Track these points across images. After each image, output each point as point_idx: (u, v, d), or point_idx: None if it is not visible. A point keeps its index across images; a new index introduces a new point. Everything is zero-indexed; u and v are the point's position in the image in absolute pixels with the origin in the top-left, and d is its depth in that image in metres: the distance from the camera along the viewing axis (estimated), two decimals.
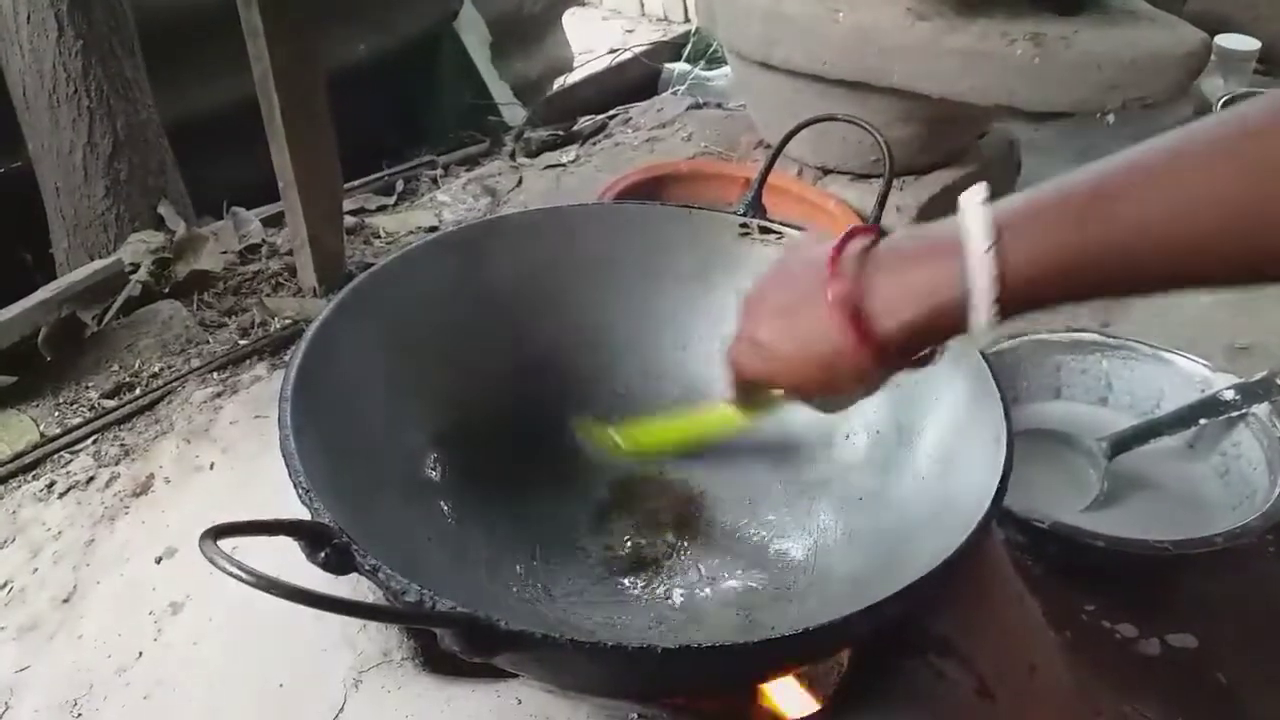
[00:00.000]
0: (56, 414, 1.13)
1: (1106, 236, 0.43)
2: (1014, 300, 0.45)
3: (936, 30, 1.25)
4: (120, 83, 1.37)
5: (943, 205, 1.43)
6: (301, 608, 0.42)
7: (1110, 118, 1.24)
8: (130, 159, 1.40)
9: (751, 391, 0.63)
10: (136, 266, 1.33)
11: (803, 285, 0.54)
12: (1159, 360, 1.12)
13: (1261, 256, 0.40)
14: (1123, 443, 1.06)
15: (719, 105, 1.95)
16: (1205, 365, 1.09)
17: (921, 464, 0.71)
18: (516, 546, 0.73)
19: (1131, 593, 0.98)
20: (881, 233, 0.52)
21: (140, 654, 0.81)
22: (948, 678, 0.66)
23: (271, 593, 0.41)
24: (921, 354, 0.53)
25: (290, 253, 1.36)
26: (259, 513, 0.49)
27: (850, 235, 0.52)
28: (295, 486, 0.54)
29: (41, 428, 1.11)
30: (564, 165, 1.77)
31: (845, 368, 0.51)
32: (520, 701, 0.64)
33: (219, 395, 1.12)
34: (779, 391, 0.61)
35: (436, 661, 0.71)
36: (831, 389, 0.54)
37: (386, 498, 0.67)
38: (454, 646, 0.47)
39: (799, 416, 0.77)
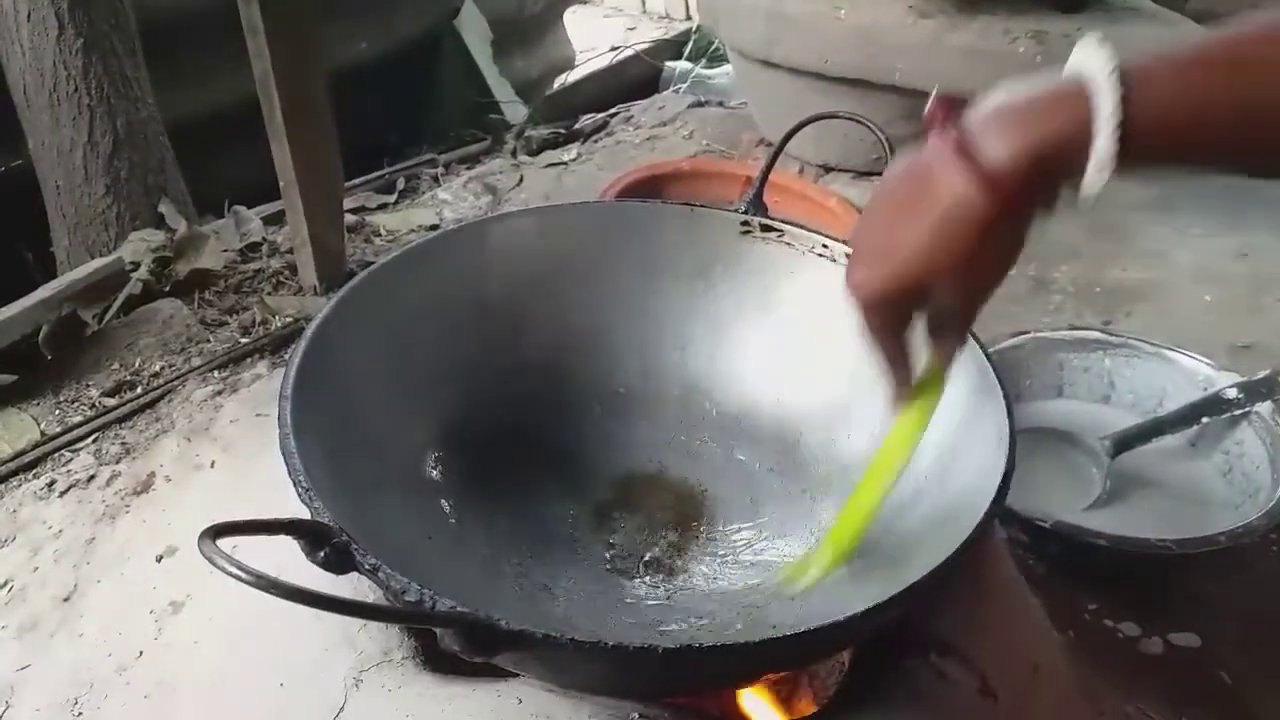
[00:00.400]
0: (57, 412, 1.13)
1: (1241, 83, 0.42)
2: (1140, 139, 0.42)
3: (938, 28, 1.25)
4: (121, 81, 1.37)
5: None
6: (302, 607, 0.42)
7: None
8: (131, 157, 1.40)
9: (890, 331, 0.55)
10: (137, 265, 1.32)
11: (907, 173, 0.50)
12: (1161, 358, 1.11)
13: None
14: (1125, 441, 1.06)
15: (720, 103, 1.95)
16: (1208, 363, 1.09)
17: (923, 462, 0.71)
18: (517, 545, 0.73)
19: (1134, 592, 0.98)
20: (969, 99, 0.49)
21: (141, 653, 0.81)
22: (949, 678, 0.66)
23: (271, 592, 0.41)
24: (1043, 199, 0.48)
25: (291, 251, 1.36)
26: (259, 511, 0.49)
27: (939, 101, 0.49)
28: (295, 485, 0.54)
29: (42, 426, 1.11)
30: (565, 163, 1.77)
31: (970, 222, 0.47)
32: (521, 701, 0.64)
33: (219, 394, 1.12)
34: (914, 305, 0.53)
35: (437, 661, 0.71)
36: (965, 256, 0.48)
37: (387, 497, 0.66)
38: (454, 646, 0.47)
39: (801, 418, 0.78)
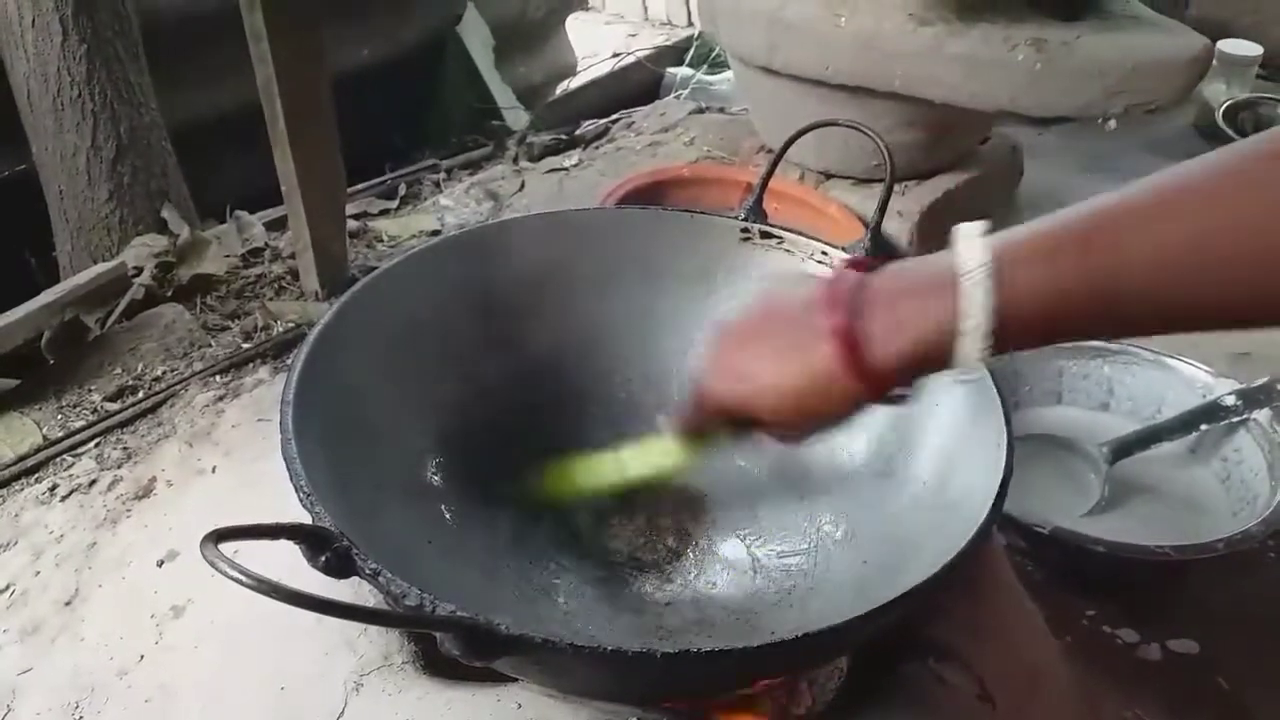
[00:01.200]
0: (59, 417, 1.13)
1: (1109, 270, 0.42)
2: (1008, 335, 0.45)
3: (938, 35, 1.25)
4: (124, 86, 1.38)
5: (944, 210, 1.43)
6: (302, 612, 0.42)
7: (1112, 123, 1.24)
8: (134, 162, 1.40)
9: (710, 421, 0.61)
10: (139, 270, 1.33)
11: (791, 316, 0.53)
12: (1160, 365, 1.11)
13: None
14: (1124, 448, 1.06)
15: (721, 110, 1.95)
16: (1206, 371, 1.09)
17: (922, 469, 0.71)
18: (517, 550, 0.73)
19: (1132, 598, 0.98)
20: (874, 265, 0.52)
21: (142, 657, 0.81)
22: (948, 682, 0.66)
23: (272, 596, 0.41)
24: (904, 390, 0.52)
25: (293, 256, 1.36)
26: (261, 516, 0.49)
27: (844, 267, 0.52)
28: (296, 490, 0.54)
29: (44, 430, 1.11)
30: (566, 169, 1.77)
31: (829, 397, 0.51)
32: (520, 706, 0.65)
33: (221, 398, 1.12)
34: (747, 421, 0.57)
35: (437, 665, 0.72)
36: (809, 418, 0.54)
37: (388, 501, 0.67)
38: (454, 650, 0.47)
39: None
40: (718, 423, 0.60)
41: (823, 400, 0.51)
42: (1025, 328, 0.45)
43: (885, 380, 0.49)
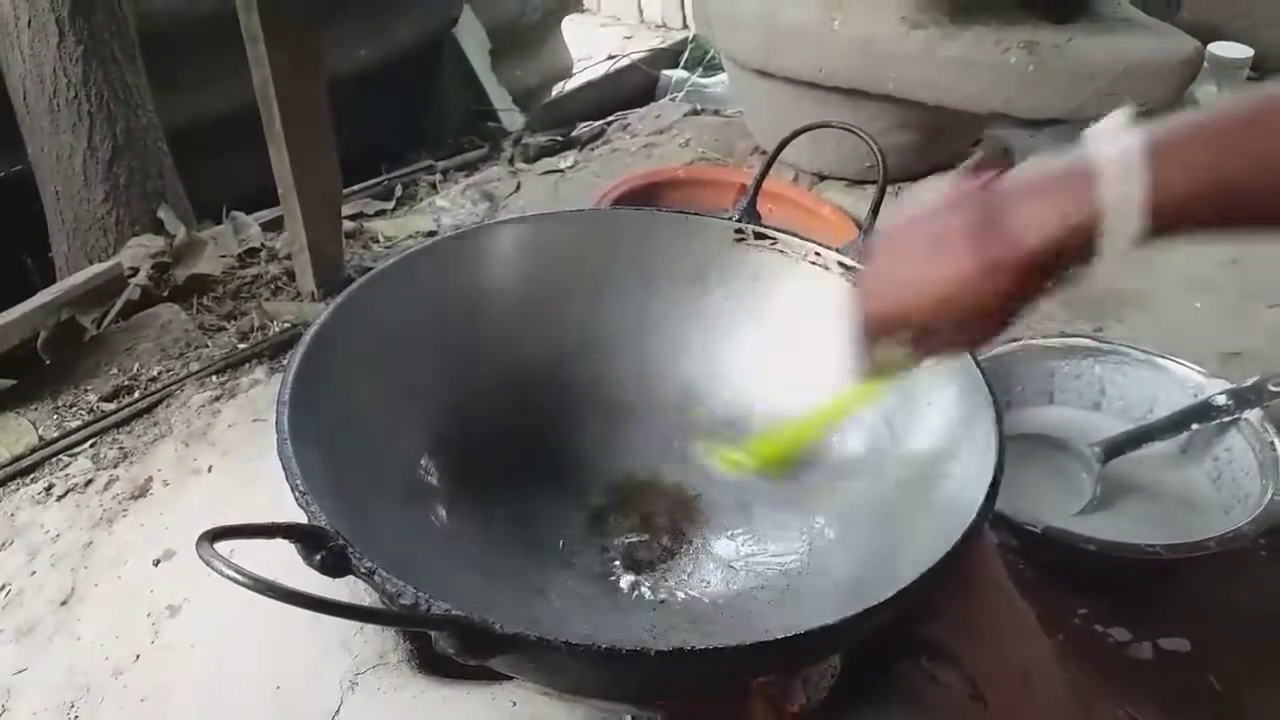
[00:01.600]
0: (55, 417, 1.13)
1: (1266, 156, 0.43)
2: (1163, 217, 0.45)
3: (931, 38, 1.26)
4: (120, 87, 1.38)
5: None
6: (298, 611, 0.42)
7: None
8: (130, 163, 1.40)
9: (882, 345, 0.59)
10: (136, 270, 1.33)
11: (938, 217, 0.53)
12: (1152, 365, 1.12)
13: None
14: (1116, 447, 1.06)
15: (716, 112, 1.96)
16: (1197, 370, 1.09)
17: (914, 468, 0.71)
18: (512, 549, 0.73)
19: (1124, 597, 0.99)
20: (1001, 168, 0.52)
21: (138, 656, 0.81)
22: (941, 681, 0.67)
23: (268, 595, 0.41)
24: (1054, 279, 0.52)
25: (289, 257, 1.36)
26: (257, 516, 0.50)
27: (980, 166, 0.53)
28: (292, 490, 0.55)
29: (40, 431, 1.11)
30: (562, 171, 1.77)
31: (985, 292, 0.51)
32: (515, 704, 0.65)
33: (217, 399, 1.12)
34: (908, 332, 0.57)
35: (432, 664, 0.72)
36: (969, 318, 0.53)
37: (383, 501, 0.67)
38: (449, 649, 0.47)
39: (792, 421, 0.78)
40: (890, 346, 0.59)
41: (980, 297, 0.51)
42: (1179, 212, 0.45)
43: (1037, 266, 0.49)
